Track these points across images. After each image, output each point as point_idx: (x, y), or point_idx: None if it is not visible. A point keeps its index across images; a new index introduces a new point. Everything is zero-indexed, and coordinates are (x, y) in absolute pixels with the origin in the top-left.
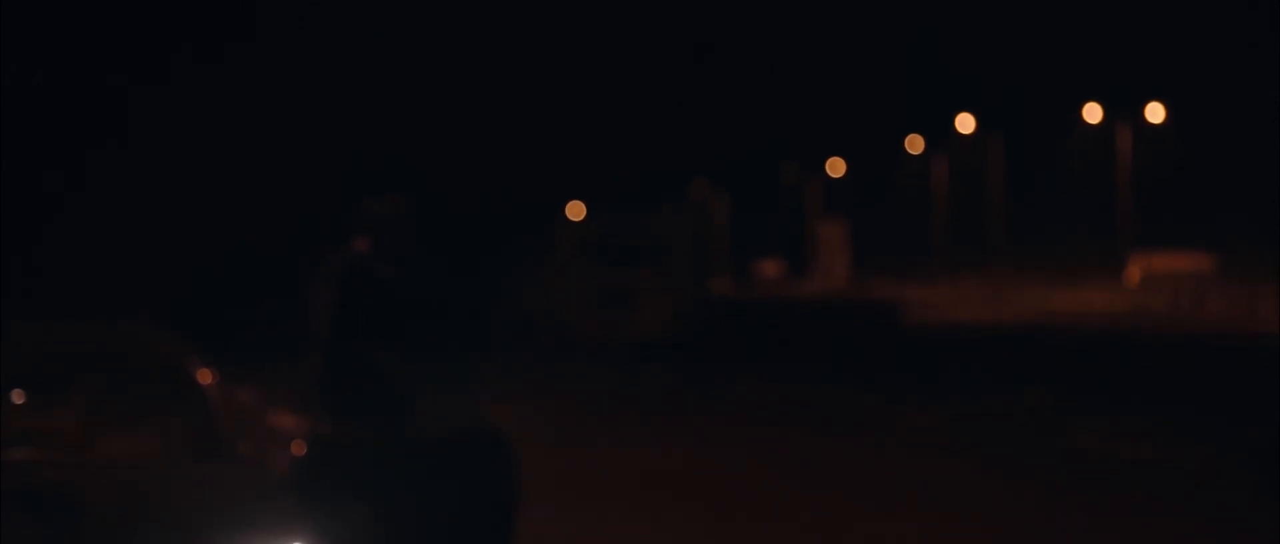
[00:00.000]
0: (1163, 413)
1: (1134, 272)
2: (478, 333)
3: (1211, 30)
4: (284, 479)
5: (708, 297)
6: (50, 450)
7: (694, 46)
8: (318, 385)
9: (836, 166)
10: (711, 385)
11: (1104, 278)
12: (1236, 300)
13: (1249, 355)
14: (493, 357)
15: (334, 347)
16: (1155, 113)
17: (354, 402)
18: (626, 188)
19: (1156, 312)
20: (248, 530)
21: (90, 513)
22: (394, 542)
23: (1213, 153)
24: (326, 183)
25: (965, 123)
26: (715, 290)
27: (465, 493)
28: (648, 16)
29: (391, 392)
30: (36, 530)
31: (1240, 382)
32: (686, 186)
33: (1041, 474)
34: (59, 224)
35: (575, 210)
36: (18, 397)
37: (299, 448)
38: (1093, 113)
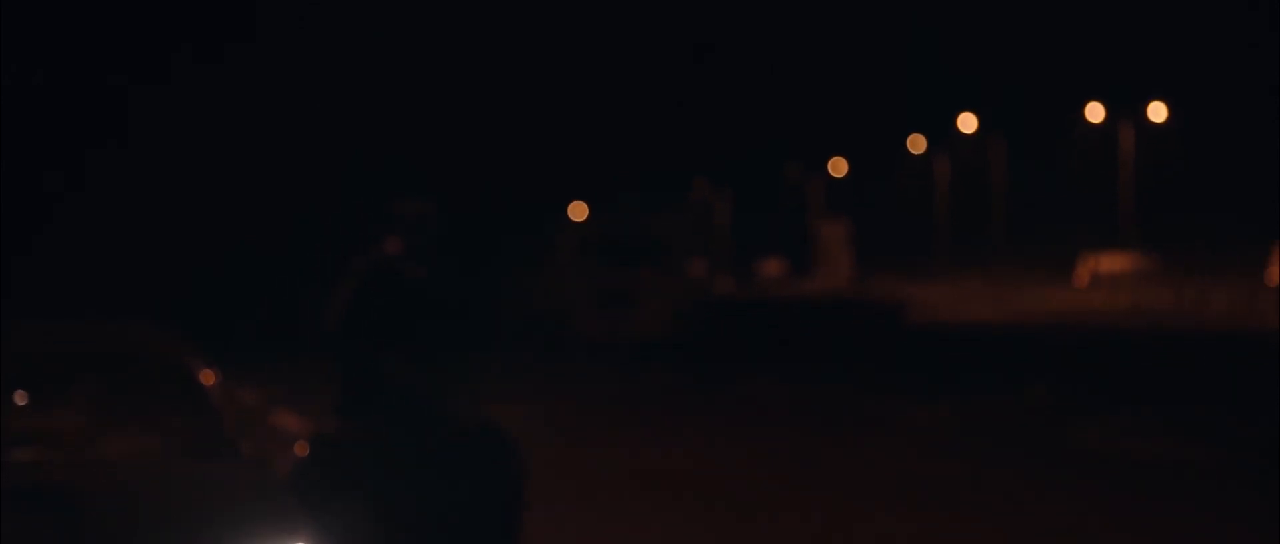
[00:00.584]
0: (1163, 411)
1: (1083, 272)
2: (480, 332)
3: (1213, 29)
4: (286, 479)
5: (709, 296)
6: (53, 450)
7: (695, 47)
8: (333, 386)
9: (838, 166)
10: (713, 384)
11: (1058, 278)
12: (1177, 295)
13: (1249, 354)
14: (495, 356)
15: (347, 347)
16: (1157, 112)
17: (364, 403)
18: (628, 188)
19: (1098, 308)
20: (249, 530)
21: (92, 512)
22: (395, 540)
23: (1215, 152)
24: (326, 183)
25: (967, 122)
26: (717, 289)
27: (469, 493)
28: (648, 17)
29: (401, 394)
30: (39, 529)
31: (1240, 379)
32: (688, 186)
33: (1043, 472)
34: (59, 224)
35: (577, 210)
36: (20, 397)
37: (301, 448)
38: (1095, 112)
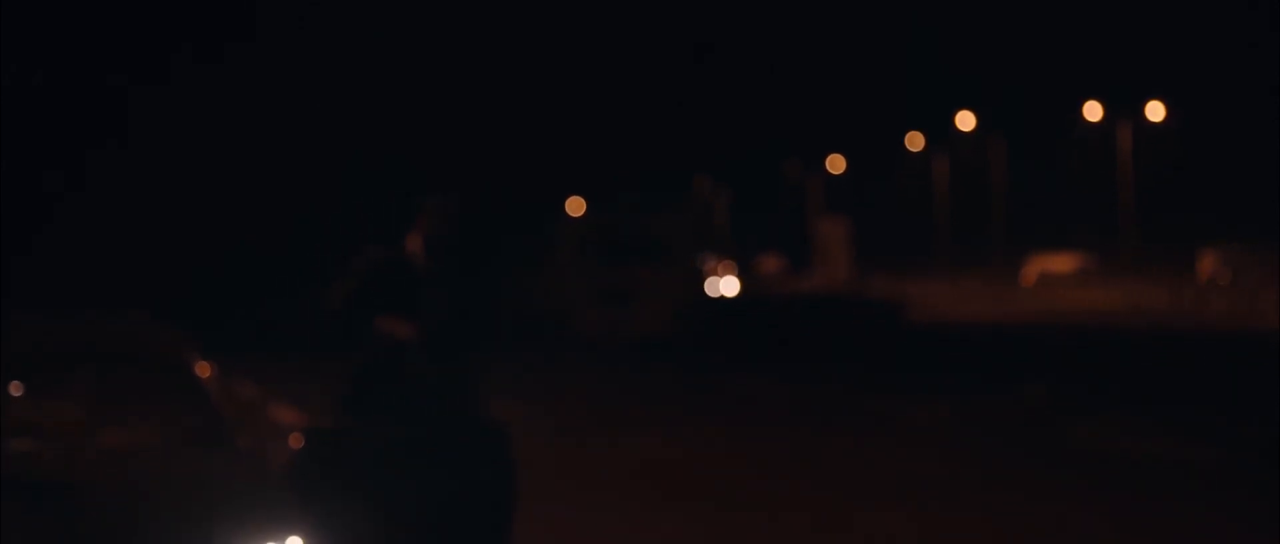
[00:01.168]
0: (1163, 410)
1: (1031, 272)
2: (482, 331)
3: (1212, 28)
4: (282, 472)
5: (706, 294)
6: (50, 442)
7: (694, 46)
8: (341, 379)
9: (837, 164)
10: (711, 382)
11: (1004, 279)
12: (1110, 292)
13: (1249, 353)
14: (494, 353)
15: (350, 342)
16: (1156, 111)
17: (374, 397)
18: (628, 187)
19: (1040, 308)
20: (245, 522)
21: (89, 504)
22: (390, 534)
23: (1213, 151)
24: (326, 183)
25: (965, 120)
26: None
27: (463, 487)
28: (648, 16)
29: (418, 390)
30: (36, 521)
31: (1240, 379)
32: (687, 185)
33: (1042, 472)
34: (59, 224)
35: (575, 206)
36: (16, 389)
37: (297, 441)
38: (1093, 110)
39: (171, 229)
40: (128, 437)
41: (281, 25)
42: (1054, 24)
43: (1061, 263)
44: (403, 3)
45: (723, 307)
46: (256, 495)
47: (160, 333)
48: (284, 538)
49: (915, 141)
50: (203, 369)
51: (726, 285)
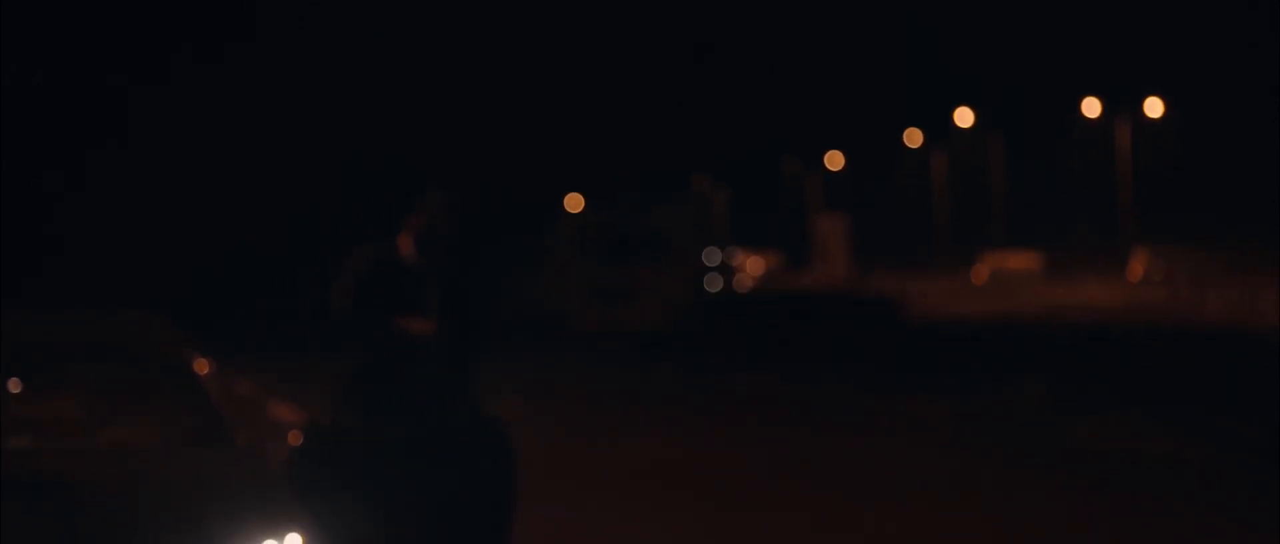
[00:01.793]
0: (1164, 409)
1: (982, 270)
2: (482, 330)
3: (1211, 25)
4: (281, 470)
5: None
6: (50, 439)
7: (694, 45)
8: (345, 377)
9: (836, 161)
10: (711, 381)
11: (956, 275)
12: (1057, 289)
13: (1249, 352)
14: (492, 351)
15: (348, 340)
16: (1154, 107)
17: (365, 396)
18: (628, 186)
19: (1000, 308)
20: (244, 519)
21: (89, 502)
22: (388, 531)
23: (1212, 148)
24: (326, 183)
25: (964, 117)
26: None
27: (463, 486)
28: (648, 15)
29: (402, 387)
30: (36, 519)
31: (1240, 378)
32: (687, 182)
33: (1042, 470)
34: (59, 224)
35: (575, 205)
36: (15, 386)
37: (296, 439)
38: (1092, 107)
39: (171, 228)
40: (127, 435)
41: (281, 25)
42: (1052, 21)
43: (1016, 260)
44: (402, 3)
45: (719, 304)
46: (256, 493)
47: (159, 331)
48: (283, 536)
49: (914, 139)
50: (202, 367)
51: (710, 282)
